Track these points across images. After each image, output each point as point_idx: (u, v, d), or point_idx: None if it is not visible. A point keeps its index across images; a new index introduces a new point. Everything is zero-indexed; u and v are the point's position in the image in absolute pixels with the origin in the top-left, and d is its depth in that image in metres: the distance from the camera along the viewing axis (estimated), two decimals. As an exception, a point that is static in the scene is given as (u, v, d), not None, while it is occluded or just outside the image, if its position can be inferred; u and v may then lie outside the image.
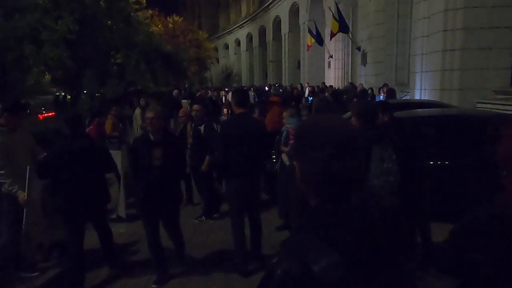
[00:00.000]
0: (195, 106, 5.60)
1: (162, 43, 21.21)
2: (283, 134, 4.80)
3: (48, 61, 12.02)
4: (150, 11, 24.14)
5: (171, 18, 34.67)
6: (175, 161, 3.76)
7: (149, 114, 3.68)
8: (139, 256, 4.48)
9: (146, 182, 3.66)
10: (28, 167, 3.66)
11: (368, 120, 3.27)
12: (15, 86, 12.37)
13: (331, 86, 16.55)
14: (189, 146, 5.62)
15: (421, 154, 3.86)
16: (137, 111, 8.38)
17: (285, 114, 5.01)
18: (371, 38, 15.96)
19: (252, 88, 22.06)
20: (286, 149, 4.74)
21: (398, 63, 15.50)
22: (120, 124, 7.16)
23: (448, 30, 9.80)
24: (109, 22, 15.23)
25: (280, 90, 20.38)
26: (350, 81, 16.20)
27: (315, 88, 15.51)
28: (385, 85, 12.10)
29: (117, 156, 5.20)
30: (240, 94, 4.13)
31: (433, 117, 5.46)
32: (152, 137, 3.68)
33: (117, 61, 15.10)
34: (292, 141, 4.70)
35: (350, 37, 17.75)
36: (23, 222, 3.60)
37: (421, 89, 11.31)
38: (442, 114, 5.72)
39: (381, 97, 11.69)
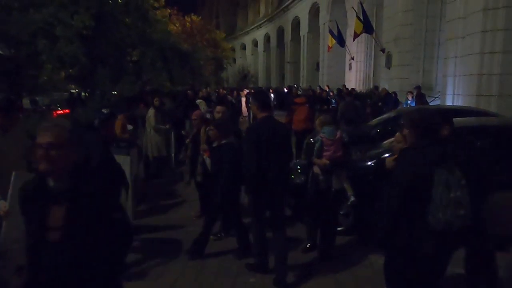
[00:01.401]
0: (219, 108, 4.93)
1: (179, 42, 20.88)
2: (317, 145, 4.17)
3: (63, 57, 11.65)
4: (169, 10, 24.06)
5: (189, 18, 34.44)
6: (99, 233, 1.70)
7: (44, 137, 1.66)
8: (145, 279, 3.93)
9: (32, 274, 1.77)
10: (13, 173, 3.07)
11: (427, 133, 2.56)
12: (29, 82, 12.04)
13: (353, 89, 15.79)
14: (201, 153, 5.05)
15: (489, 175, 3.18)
16: (151, 111, 7.84)
17: (318, 121, 4.37)
18: (397, 40, 15.19)
19: (270, 90, 21.46)
20: (319, 161, 4.12)
21: (426, 66, 14.73)
22: (131, 125, 6.65)
23: (488, 31, 9.02)
24: (126, 19, 14.87)
25: (299, 92, 19.75)
26: (375, 84, 15.45)
27: (343, 90, 14.77)
28: (417, 88, 11.34)
29: (125, 162, 4.66)
30: (263, 97, 3.93)
31: (492, 128, 4.76)
32: (51, 184, 1.72)
33: (133, 58, 14.69)
34: (327, 153, 4.10)
35: (374, 37, 16.97)
36: (0, 237, 3.03)
37: (453, 94, 10.53)
38: (497, 124, 5.02)
39: (409, 102, 10.95)
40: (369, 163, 4.79)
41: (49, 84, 11.97)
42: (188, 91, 11.30)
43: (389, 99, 11.39)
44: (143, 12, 15.35)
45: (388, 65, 15.95)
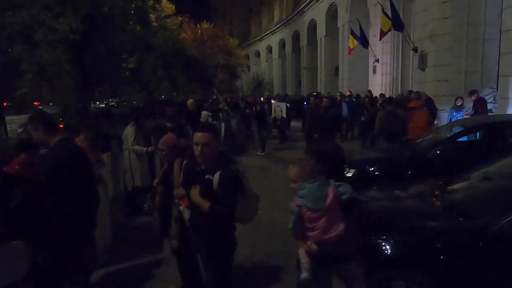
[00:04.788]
0: (201, 136, 2.61)
1: (186, 48, 19.30)
2: (291, 218, 2.18)
3: (44, 65, 10.06)
4: (180, 18, 23.01)
5: (200, 25, 33.13)
6: None
7: None
8: None
9: None
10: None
11: None
12: (9, 95, 10.48)
13: (382, 94, 13.72)
14: (176, 202, 3.15)
15: None
16: (130, 128, 6.01)
17: (294, 171, 2.21)
18: (434, 36, 13.06)
19: (285, 98, 19.35)
20: (303, 245, 2.16)
21: (469, 66, 12.52)
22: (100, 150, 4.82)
23: None
24: (124, 24, 13.25)
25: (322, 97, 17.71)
26: (408, 89, 13.30)
27: (367, 96, 12.68)
28: (474, 92, 9.19)
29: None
30: (45, 117, 3.12)
31: None
32: None
33: (129, 65, 13.02)
34: (313, 232, 2.11)
35: (405, 35, 14.86)
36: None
37: (517, 98, 8.38)
38: None
39: (461, 113, 8.79)
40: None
41: (30, 96, 10.34)
42: (189, 100, 9.47)
43: (431, 106, 9.28)
44: (142, 14, 13.70)
45: (422, 66, 13.80)
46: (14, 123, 11.44)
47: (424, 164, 4.99)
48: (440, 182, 3.59)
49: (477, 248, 2.54)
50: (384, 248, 2.64)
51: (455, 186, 3.47)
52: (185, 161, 3.24)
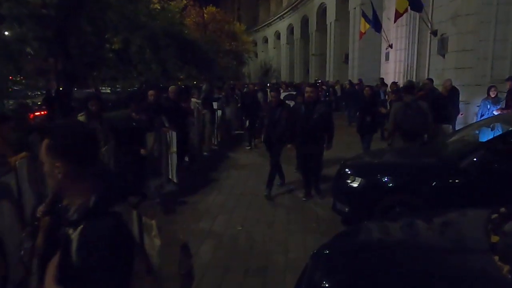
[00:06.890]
0: None
1: (185, 30, 17.96)
2: None
3: (9, 44, 8.83)
4: (184, 1, 21.94)
5: (206, 9, 31.69)
6: None
7: None
8: None
9: None
10: None
11: None
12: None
13: (395, 82, 12.25)
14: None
15: None
16: (80, 118, 4.75)
17: None
18: (456, 17, 11.52)
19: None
20: None
21: (496, 51, 11.02)
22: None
23: None
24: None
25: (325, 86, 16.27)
26: (428, 77, 11.78)
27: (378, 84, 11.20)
28: (509, 79, 7.73)
29: None
30: None
31: None
32: None
33: (113, 47, 11.72)
34: None
35: (426, 16, 13.28)
36: None
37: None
38: None
39: (497, 107, 7.35)
40: None
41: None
42: (171, 87, 8.20)
43: (456, 97, 7.87)
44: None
45: (442, 51, 12.27)
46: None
47: (457, 177, 3.65)
48: (495, 216, 2.27)
49: None
50: None
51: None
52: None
